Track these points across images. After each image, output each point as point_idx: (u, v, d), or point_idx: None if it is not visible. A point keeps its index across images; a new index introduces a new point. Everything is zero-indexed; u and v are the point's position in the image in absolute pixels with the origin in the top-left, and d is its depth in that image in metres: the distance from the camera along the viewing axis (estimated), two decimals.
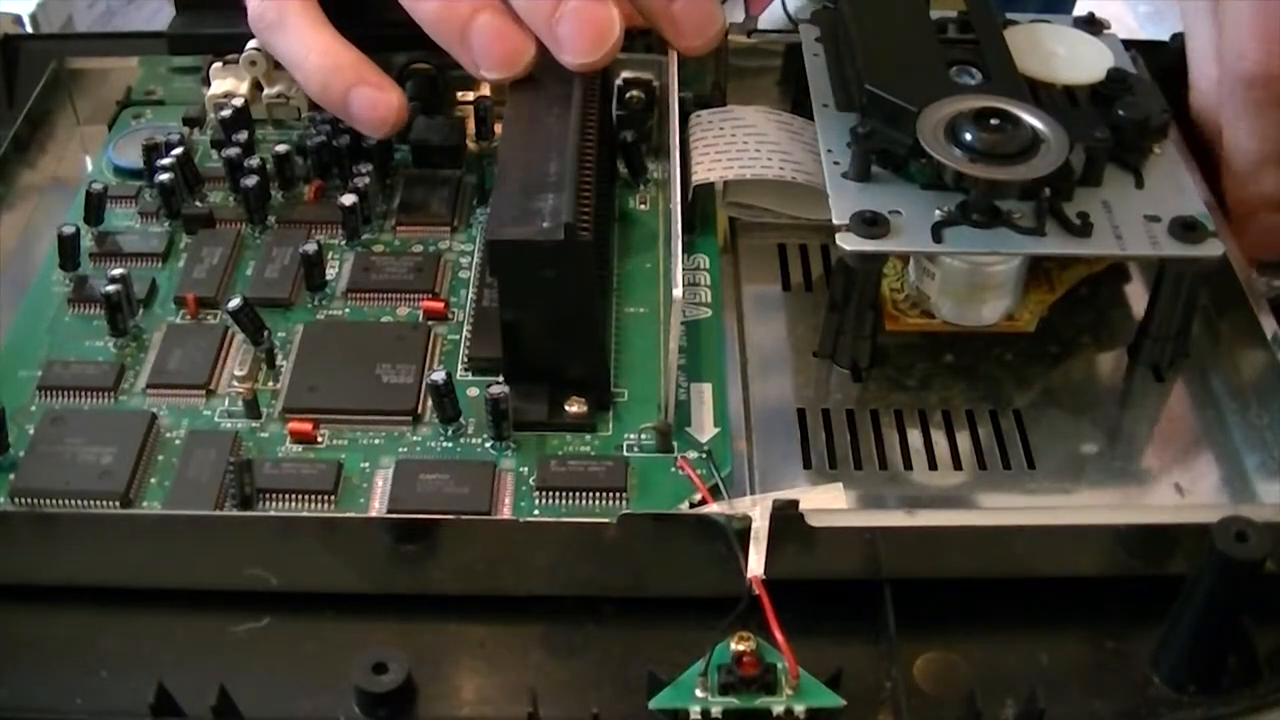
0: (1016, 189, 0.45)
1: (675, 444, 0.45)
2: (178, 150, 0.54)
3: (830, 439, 0.47)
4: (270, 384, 0.47)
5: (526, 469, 0.44)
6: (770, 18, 0.76)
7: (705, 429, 0.46)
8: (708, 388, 0.47)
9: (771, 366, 0.50)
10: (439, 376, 0.44)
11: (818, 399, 0.48)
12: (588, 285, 0.45)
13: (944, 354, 0.50)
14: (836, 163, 0.48)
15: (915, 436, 0.47)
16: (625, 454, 0.45)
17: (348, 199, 0.52)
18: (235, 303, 0.48)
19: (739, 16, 0.74)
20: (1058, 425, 0.47)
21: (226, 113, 0.56)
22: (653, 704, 0.37)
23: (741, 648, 0.37)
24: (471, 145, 0.57)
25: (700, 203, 0.54)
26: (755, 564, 0.39)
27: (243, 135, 0.55)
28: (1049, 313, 0.50)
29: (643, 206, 0.55)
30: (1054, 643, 0.41)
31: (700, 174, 0.51)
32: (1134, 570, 0.42)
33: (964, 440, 0.47)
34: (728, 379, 0.48)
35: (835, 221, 0.46)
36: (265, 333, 0.48)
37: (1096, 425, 0.47)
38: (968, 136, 0.46)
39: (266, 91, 0.58)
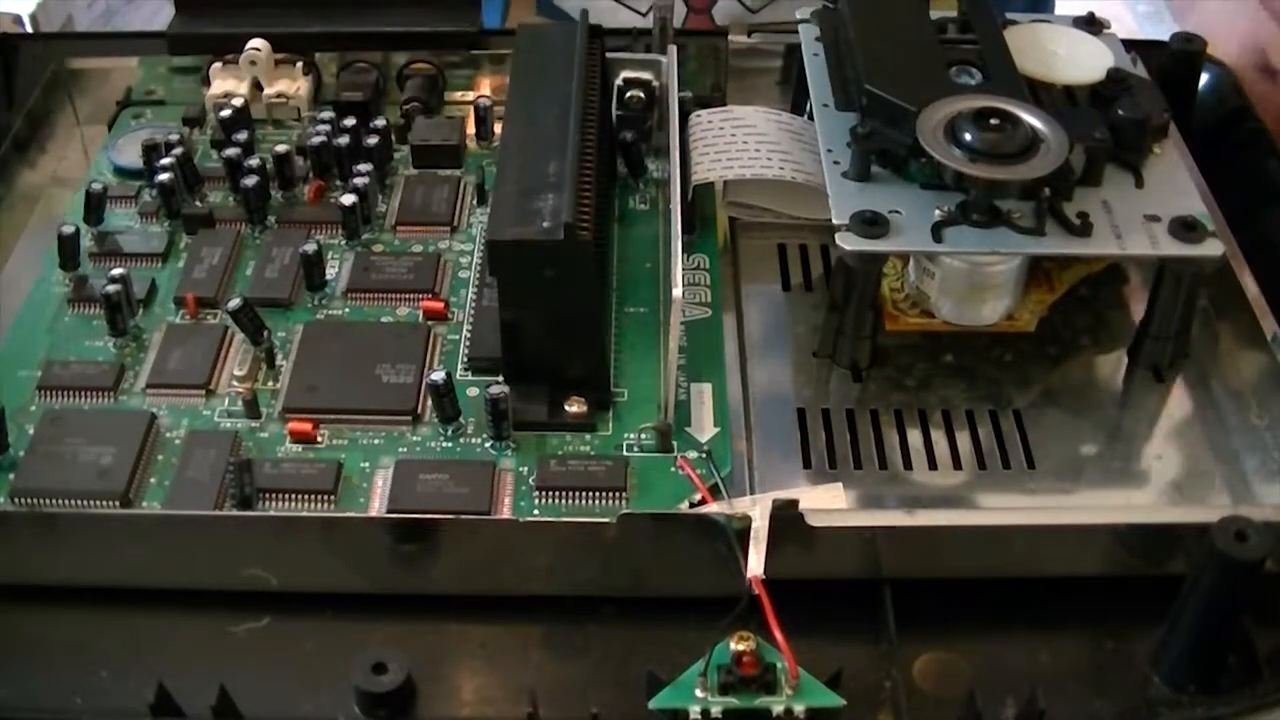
0: (1016, 189, 0.45)
1: (675, 444, 0.45)
2: (178, 150, 0.54)
3: (830, 439, 0.47)
4: (270, 384, 0.47)
5: (526, 469, 0.44)
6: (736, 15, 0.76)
7: (705, 429, 0.46)
8: (707, 388, 0.47)
9: (771, 366, 0.50)
10: (438, 376, 0.44)
11: (817, 399, 0.48)
12: (588, 285, 0.45)
13: (944, 354, 0.50)
14: (836, 162, 0.48)
15: (915, 436, 0.47)
16: (625, 454, 0.45)
17: (347, 199, 0.52)
18: (235, 303, 0.48)
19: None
20: (1057, 425, 0.47)
21: (226, 113, 0.56)
22: (652, 704, 0.37)
23: (741, 647, 0.37)
24: (471, 145, 0.57)
25: (700, 203, 0.54)
26: (755, 564, 0.39)
27: (242, 135, 0.55)
28: (1049, 313, 0.50)
29: (643, 206, 0.55)
30: (1054, 643, 0.41)
31: (700, 174, 0.51)
32: (1134, 570, 0.42)
33: (964, 440, 0.47)
34: (727, 379, 0.48)
35: (835, 221, 0.45)
36: (265, 333, 0.48)
37: (1096, 426, 0.47)
38: (967, 136, 0.46)
39: (266, 91, 0.58)
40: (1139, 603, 0.41)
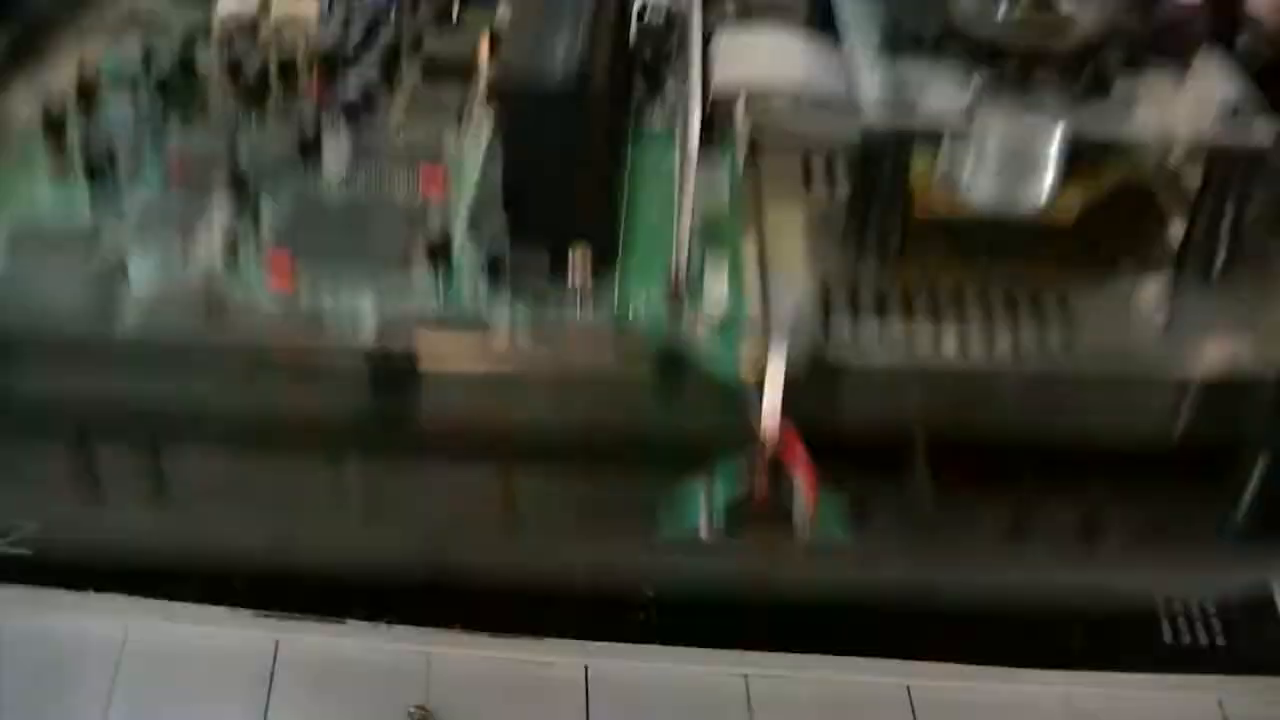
0: (1055, 63, 0.43)
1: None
2: (177, 55, 0.53)
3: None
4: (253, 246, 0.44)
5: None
6: None
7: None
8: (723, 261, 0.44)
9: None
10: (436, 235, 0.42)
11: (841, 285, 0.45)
12: (598, 139, 0.42)
13: (978, 250, 0.47)
14: (865, 43, 0.46)
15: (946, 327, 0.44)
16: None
17: (351, 93, 0.50)
18: (223, 175, 0.45)
19: None
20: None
21: (234, 33, 0.55)
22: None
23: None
24: (483, 66, 0.56)
25: (720, 119, 0.51)
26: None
27: (250, 54, 0.53)
28: (1088, 221, 0.47)
29: (660, 126, 0.53)
30: None
31: (721, 88, 0.49)
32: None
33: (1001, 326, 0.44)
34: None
35: (863, 101, 0.43)
36: (253, 199, 0.45)
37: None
38: (1003, 10, 0.43)
39: (275, 13, 0.57)
40: None
